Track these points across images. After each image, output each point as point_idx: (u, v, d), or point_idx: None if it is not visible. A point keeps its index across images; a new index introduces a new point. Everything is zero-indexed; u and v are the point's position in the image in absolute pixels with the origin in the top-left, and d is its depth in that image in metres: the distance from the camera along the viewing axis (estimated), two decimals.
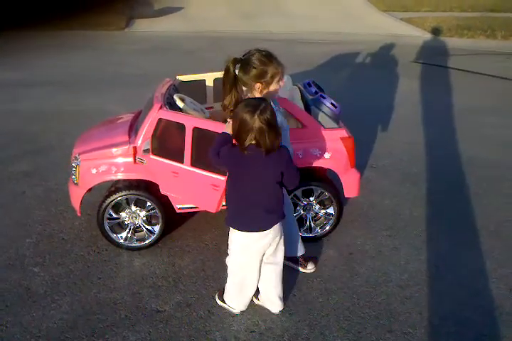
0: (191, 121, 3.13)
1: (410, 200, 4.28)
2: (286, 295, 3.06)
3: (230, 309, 2.95)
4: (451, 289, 3.13)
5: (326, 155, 3.59)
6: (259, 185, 2.56)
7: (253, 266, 2.77)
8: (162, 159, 3.28)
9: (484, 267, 3.34)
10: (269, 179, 2.57)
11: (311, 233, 3.71)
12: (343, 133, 3.63)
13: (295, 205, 3.64)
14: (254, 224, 2.61)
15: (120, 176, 3.46)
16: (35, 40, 11.86)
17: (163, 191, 3.40)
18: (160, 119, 3.25)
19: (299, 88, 4.15)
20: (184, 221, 3.94)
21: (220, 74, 4.40)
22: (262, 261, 2.78)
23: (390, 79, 8.50)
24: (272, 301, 2.93)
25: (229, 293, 2.92)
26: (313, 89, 4.02)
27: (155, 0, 17.95)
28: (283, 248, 2.82)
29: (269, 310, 2.96)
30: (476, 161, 5.04)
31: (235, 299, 2.92)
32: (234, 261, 2.82)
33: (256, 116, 2.37)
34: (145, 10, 16.55)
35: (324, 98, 3.74)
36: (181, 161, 3.18)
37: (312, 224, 3.70)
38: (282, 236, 2.76)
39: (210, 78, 4.46)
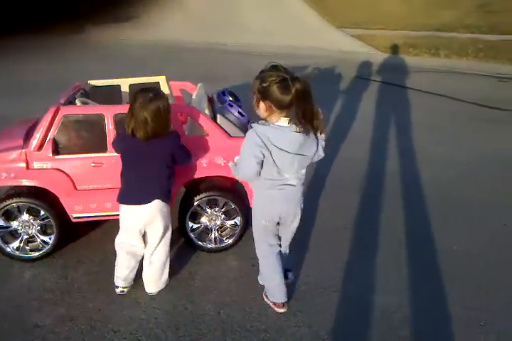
0: (110, 109, 3.30)
1: (322, 212, 4.26)
2: (178, 309, 2.97)
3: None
4: (344, 302, 3.09)
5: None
6: (146, 165, 2.86)
7: (128, 240, 2.98)
8: (76, 155, 3.32)
9: (373, 283, 3.33)
10: (156, 160, 2.87)
11: (216, 244, 3.63)
12: None
13: (199, 215, 3.57)
14: (132, 197, 2.88)
15: (11, 182, 3.31)
16: None
17: (80, 188, 3.37)
18: (66, 117, 3.26)
19: (210, 97, 4.13)
20: (88, 231, 3.79)
21: (136, 80, 4.38)
22: (140, 241, 2.99)
23: (330, 94, 8.60)
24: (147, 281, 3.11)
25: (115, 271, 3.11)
26: (227, 97, 3.99)
27: (110, 7, 17.76)
28: (168, 239, 3.05)
29: (155, 324, 2.86)
30: (385, 177, 5.07)
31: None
32: (118, 237, 3.03)
33: (139, 103, 2.68)
34: (101, 17, 16.38)
35: (232, 106, 3.71)
36: (104, 151, 3.26)
37: (217, 235, 3.62)
38: (169, 228, 3.03)
39: (125, 83, 4.39)
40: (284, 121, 2.49)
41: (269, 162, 2.55)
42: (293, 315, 2.96)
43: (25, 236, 3.41)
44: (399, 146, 6.00)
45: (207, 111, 3.72)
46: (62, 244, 3.56)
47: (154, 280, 3.09)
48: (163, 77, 4.46)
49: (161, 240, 3.01)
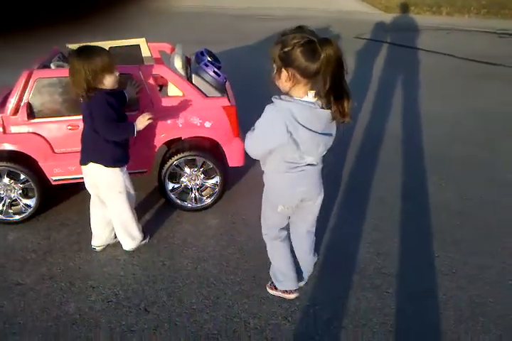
0: None
1: None
2: (156, 265, 3.03)
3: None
4: (320, 254, 3.12)
5: (207, 124, 3.51)
6: (84, 125, 2.89)
7: (92, 198, 3.13)
8: (52, 118, 3.32)
9: (360, 233, 3.35)
10: (85, 122, 2.86)
11: (198, 204, 3.66)
12: (225, 101, 3.55)
13: (179, 176, 3.59)
14: (80, 156, 2.97)
15: None
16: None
17: (58, 151, 3.40)
18: (39, 80, 3.24)
19: (188, 58, 4.06)
20: (71, 194, 3.84)
21: (116, 43, 4.30)
22: (99, 199, 3.08)
23: None
24: (119, 239, 3.21)
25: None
26: (205, 58, 3.92)
27: None
28: (117, 205, 3.04)
29: (133, 280, 2.93)
30: (383, 135, 5.03)
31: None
32: None
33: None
34: None
35: (207, 66, 3.65)
36: (79, 113, 3.09)
37: (198, 195, 3.65)
38: (117, 194, 2.98)
39: (105, 46, 4.30)
40: (310, 97, 2.09)
41: (291, 143, 2.14)
42: (268, 269, 3.00)
43: (8, 200, 3.45)
44: (395, 104, 5.91)
45: (182, 72, 3.66)
46: (46, 207, 3.61)
47: (122, 238, 3.17)
48: (143, 39, 4.38)
49: (108, 202, 3.03)
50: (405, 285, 2.83)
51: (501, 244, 3.20)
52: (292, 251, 2.75)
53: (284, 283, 2.73)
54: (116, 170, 2.93)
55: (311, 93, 2.09)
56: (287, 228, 2.70)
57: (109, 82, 2.74)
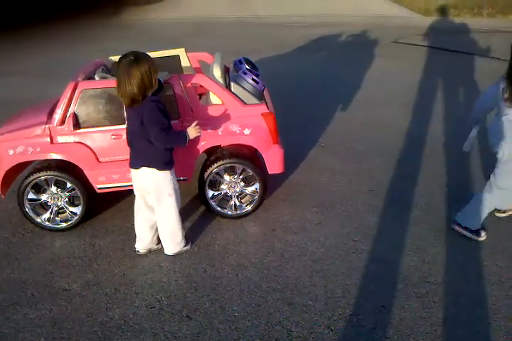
0: None
1: (348, 178, 4.21)
2: (198, 272, 3.06)
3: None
4: (363, 263, 3.08)
5: (246, 132, 3.54)
6: (131, 131, 2.96)
7: (136, 202, 3.19)
8: (97, 128, 3.43)
9: (403, 240, 3.28)
10: (134, 129, 2.88)
11: (237, 211, 3.67)
12: (264, 108, 3.57)
13: (219, 183, 3.62)
14: (130, 160, 3.07)
15: (37, 157, 3.46)
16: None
17: (102, 160, 3.49)
18: (84, 91, 3.36)
19: (227, 66, 4.11)
20: (116, 202, 3.94)
21: (157, 54, 4.41)
22: (146, 203, 3.15)
23: (365, 60, 8.34)
24: (163, 243, 3.27)
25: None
26: (244, 65, 3.97)
27: None
28: (167, 208, 3.09)
29: (175, 286, 2.96)
30: (425, 141, 4.92)
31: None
32: None
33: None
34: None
35: (246, 74, 3.68)
36: (123, 123, 3.29)
37: (237, 202, 3.66)
38: (167, 196, 3.05)
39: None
40: None
41: None
42: (309, 276, 2.98)
43: (55, 208, 3.58)
44: (434, 108, 5.78)
45: (221, 80, 3.71)
46: (91, 214, 3.71)
47: (165, 242, 3.23)
48: (183, 49, 4.47)
49: (158, 205, 3.08)
50: (452, 294, 2.74)
51: None
52: None
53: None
54: (167, 173, 3.03)
55: None
56: None
57: (156, 84, 2.82)
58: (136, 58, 2.73)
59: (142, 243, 3.27)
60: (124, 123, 3.36)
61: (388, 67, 7.75)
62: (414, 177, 4.13)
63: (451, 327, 2.52)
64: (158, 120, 2.82)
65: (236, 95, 3.57)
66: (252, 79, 3.63)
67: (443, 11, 12.39)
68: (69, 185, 3.50)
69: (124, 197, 3.95)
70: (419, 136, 5.01)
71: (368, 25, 11.32)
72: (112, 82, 3.47)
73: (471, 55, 8.27)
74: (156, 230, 3.24)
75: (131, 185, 3.48)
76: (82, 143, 3.47)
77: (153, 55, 4.42)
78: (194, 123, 2.97)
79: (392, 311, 2.66)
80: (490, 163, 4.18)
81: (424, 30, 10.52)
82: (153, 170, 2.98)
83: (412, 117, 5.54)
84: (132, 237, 3.32)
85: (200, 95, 4.09)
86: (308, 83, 7.06)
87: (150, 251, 3.30)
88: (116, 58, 4.41)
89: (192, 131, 2.94)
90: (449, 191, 3.90)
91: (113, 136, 3.45)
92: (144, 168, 2.98)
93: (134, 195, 3.19)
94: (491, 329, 2.48)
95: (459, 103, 5.92)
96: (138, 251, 3.29)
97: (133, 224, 3.29)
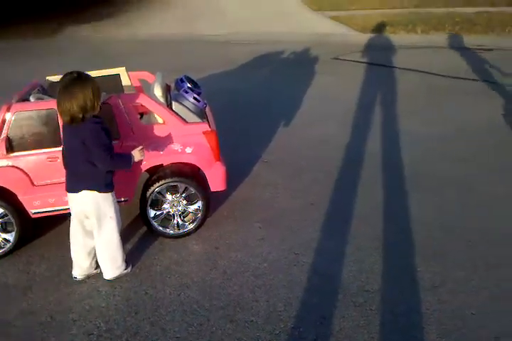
0: None
1: (290, 192, 4.28)
2: (138, 295, 3.01)
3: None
4: (305, 275, 3.12)
5: (188, 150, 3.55)
6: (68, 152, 2.88)
7: (72, 227, 3.08)
8: (31, 151, 3.34)
9: (343, 251, 3.36)
10: (73, 149, 2.82)
11: (180, 230, 3.65)
12: (205, 127, 3.60)
13: (161, 203, 3.59)
14: (67, 183, 2.97)
15: None
16: None
17: (37, 183, 3.39)
18: (17, 113, 3.28)
19: (168, 85, 4.13)
20: (52, 227, 3.82)
21: (96, 73, 4.34)
22: (84, 228, 3.06)
23: (306, 77, 8.56)
24: (102, 268, 3.17)
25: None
26: (185, 84, 3.99)
27: (90, 6, 17.70)
28: (108, 231, 3.01)
29: (115, 311, 2.89)
30: (364, 154, 5.08)
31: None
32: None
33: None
34: (77, 16, 16.35)
35: (187, 93, 3.70)
36: (58, 145, 3.21)
37: (180, 221, 3.64)
38: (108, 219, 2.98)
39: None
40: None
41: None
42: (252, 291, 2.99)
43: None
44: (373, 122, 5.99)
45: (162, 99, 3.72)
46: (26, 240, 3.58)
47: (104, 266, 3.14)
48: (123, 68, 4.45)
49: (99, 228, 3.02)
50: (388, 302, 2.83)
51: (482, 256, 3.22)
52: None
53: None
54: (109, 195, 2.98)
55: None
56: None
57: (98, 107, 2.79)
58: (80, 77, 2.72)
59: (80, 269, 3.17)
60: (60, 146, 3.30)
61: (328, 84, 8.00)
62: (354, 190, 4.25)
63: (388, 333, 2.59)
64: (103, 142, 2.79)
65: (177, 114, 3.58)
66: (194, 98, 3.67)
67: (379, 28, 12.94)
68: (1, 210, 3.37)
69: (60, 221, 3.83)
70: (358, 150, 5.17)
71: (310, 42, 11.66)
72: (47, 104, 3.41)
73: (407, 70, 8.67)
74: (95, 255, 3.15)
75: (68, 209, 3.40)
76: (16, 167, 3.37)
77: (93, 74, 4.36)
78: (140, 147, 3.01)
79: (333, 321, 2.71)
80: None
81: (363, 47, 10.95)
82: (94, 193, 2.92)
83: (351, 132, 5.72)
84: (69, 263, 3.22)
85: (142, 114, 4.08)
86: (251, 100, 7.17)
87: (88, 277, 3.20)
88: (53, 78, 4.34)
89: (137, 154, 2.98)
90: (386, 203, 4.03)
91: (48, 159, 3.36)
92: (84, 191, 2.91)
93: (70, 220, 3.10)
94: (425, 333, 2.57)
95: (395, 117, 6.16)
96: (75, 278, 3.18)
97: (69, 250, 3.19)
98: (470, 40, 10.88)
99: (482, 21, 12.22)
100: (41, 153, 3.37)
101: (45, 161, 3.37)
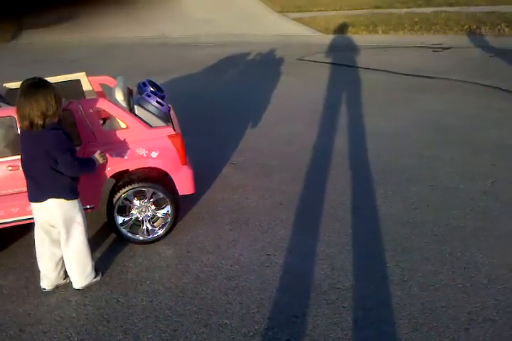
0: None
1: (259, 193, 4.29)
2: (110, 303, 2.96)
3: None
4: (277, 275, 3.14)
5: (153, 155, 3.51)
6: (29, 159, 2.81)
7: (37, 237, 2.99)
8: None
9: (314, 249, 3.39)
10: (34, 157, 2.75)
11: (149, 235, 3.60)
12: (170, 130, 3.57)
13: (129, 208, 3.54)
14: (28, 193, 2.90)
15: None
16: None
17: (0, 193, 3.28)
18: None
19: (130, 89, 4.08)
20: (17, 237, 3.71)
21: (56, 79, 4.25)
22: (50, 238, 2.97)
23: (272, 78, 8.61)
24: (71, 277, 3.10)
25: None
26: (148, 88, 3.95)
27: (47, 10, 17.28)
28: (76, 238, 2.96)
29: (86, 320, 2.83)
30: (331, 152, 5.14)
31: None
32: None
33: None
34: (34, 20, 15.96)
35: (150, 97, 3.67)
36: (19, 153, 3.05)
37: (149, 226, 3.60)
38: (76, 225, 2.93)
39: None
40: None
41: None
42: (225, 294, 2.98)
43: None
44: (340, 121, 6.07)
45: (124, 104, 3.66)
46: None
47: (74, 275, 3.08)
48: (83, 73, 4.37)
49: (67, 236, 2.96)
50: (359, 298, 2.87)
51: (449, 249, 3.31)
52: None
53: None
54: (75, 202, 2.94)
55: None
56: None
57: (59, 114, 2.74)
58: (42, 82, 2.69)
59: (48, 280, 3.09)
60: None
61: (294, 84, 8.07)
62: (322, 188, 4.30)
63: (360, 329, 2.63)
64: (67, 147, 2.77)
65: (140, 118, 3.54)
66: (157, 102, 3.63)
67: (342, 29, 13.14)
68: None
69: (25, 231, 3.73)
70: (325, 148, 5.23)
71: (274, 43, 11.75)
72: (5, 111, 3.31)
73: (369, 69, 8.83)
74: (63, 265, 3.08)
75: (33, 218, 3.31)
76: None
77: (52, 80, 4.27)
78: (98, 151, 3.01)
79: (306, 320, 2.73)
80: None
81: (326, 48, 11.09)
82: (61, 201, 2.86)
83: (318, 131, 5.78)
84: (37, 274, 3.14)
85: (105, 119, 4.02)
86: (218, 102, 7.16)
87: (57, 287, 3.13)
88: (11, 85, 4.23)
89: (98, 158, 2.98)
90: (354, 199, 4.10)
91: (9, 167, 3.27)
92: (50, 200, 2.84)
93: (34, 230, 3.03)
94: (396, 327, 2.62)
95: (360, 115, 6.27)
96: (44, 289, 3.10)
97: (36, 260, 3.11)
98: (429, 39, 11.18)
99: (440, 21, 12.55)
100: (2, 161, 3.28)
101: (6, 170, 3.27)
